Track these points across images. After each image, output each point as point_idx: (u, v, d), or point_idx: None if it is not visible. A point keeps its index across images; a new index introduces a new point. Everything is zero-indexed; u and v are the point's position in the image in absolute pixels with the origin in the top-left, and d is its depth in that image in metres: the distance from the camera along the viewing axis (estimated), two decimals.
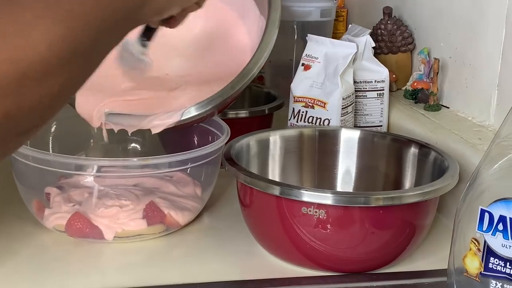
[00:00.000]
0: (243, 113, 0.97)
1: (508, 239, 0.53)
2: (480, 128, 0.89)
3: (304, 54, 0.94)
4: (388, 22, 1.10)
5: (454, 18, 0.98)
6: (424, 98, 1.01)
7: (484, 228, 0.54)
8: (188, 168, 0.78)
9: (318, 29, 1.16)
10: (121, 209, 0.74)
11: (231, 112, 0.98)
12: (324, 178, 0.85)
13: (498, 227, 0.54)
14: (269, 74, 1.24)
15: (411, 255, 0.73)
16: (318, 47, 0.93)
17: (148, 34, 0.71)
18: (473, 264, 0.56)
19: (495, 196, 0.54)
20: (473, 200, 0.56)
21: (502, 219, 0.53)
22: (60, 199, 0.77)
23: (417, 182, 0.79)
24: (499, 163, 0.55)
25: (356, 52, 0.91)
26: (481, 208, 0.54)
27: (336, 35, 1.26)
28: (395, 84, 1.10)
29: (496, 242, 0.54)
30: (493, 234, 0.54)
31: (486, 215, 0.54)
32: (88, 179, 0.75)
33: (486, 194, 0.55)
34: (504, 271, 0.54)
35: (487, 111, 0.90)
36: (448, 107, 1.00)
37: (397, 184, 0.81)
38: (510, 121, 0.55)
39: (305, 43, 0.98)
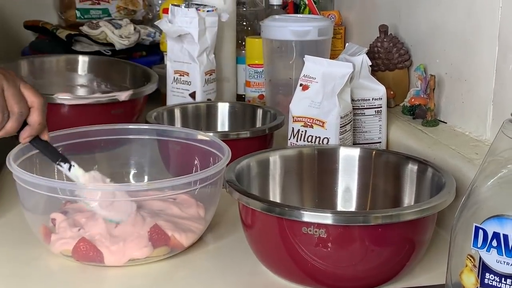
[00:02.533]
0: (244, 134, 0.99)
1: (502, 255, 0.55)
2: (476, 143, 0.91)
3: (302, 75, 0.96)
4: (385, 40, 1.12)
5: (449, 35, 1.00)
6: (421, 113, 1.03)
7: (479, 245, 0.56)
8: (191, 190, 0.79)
9: (316, 47, 1.18)
10: (126, 241, 0.76)
11: (232, 133, 0.99)
12: (324, 197, 0.86)
13: (492, 243, 0.55)
14: (269, 92, 1.25)
15: (412, 270, 0.74)
16: (315, 67, 0.95)
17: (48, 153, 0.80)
18: (470, 280, 0.57)
19: (489, 213, 0.55)
20: (468, 217, 0.57)
21: (495, 235, 0.55)
22: (65, 225, 0.78)
23: (416, 199, 0.80)
24: (492, 180, 0.57)
25: (352, 72, 0.93)
26: (475, 225, 0.56)
27: (334, 53, 1.27)
28: (393, 101, 1.11)
29: (491, 258, 0.55)
30: (488, 250, 0.55)
31: (481, 232, 0.55)
32: (94, 204, 0.77)
33: (480, 211, 0.56)
34: (500, 286, 0.55)
35: (483, 126, 0.91)
36: (445, 122, 1.01)
37: (397, 200, 0.83)
38: (502, 137, 0.56)
39: (303, 61, 1.00)
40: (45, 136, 0.79)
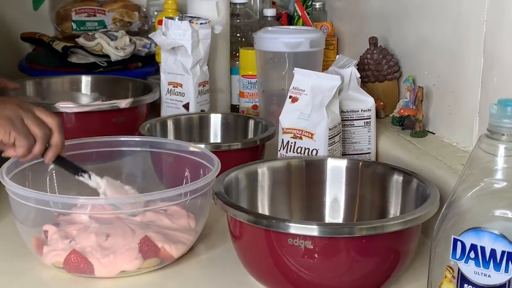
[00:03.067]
0: (235, 145, 1.01)
1: (480, 267, 0.56)
2: (463, 154, 0.92)
3: (291, 87, 0.97)
4: (374, 51, 1.14)
5: (437, 48, 1.02)
6: (410, 124, 1.04)
7: (457, 256, 0.57)
8: (181, 202, 0.81)
9: (309, 58, 1.20)
10: (116, 253, 0.77)
11: (224, 145, 1.01)
12: (312, 208, 0.87)
13: (470, 255, 0.56)
14: (263, 103, 1.27)
15: (397, 280, 0.76)
16: (304, 79, 0.96)
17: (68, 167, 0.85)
18: None
19: (467, 225, 0.57)
20: (447, 229, 0.59)
21: (473, 247, 0.56)
22: (57, 237, 0.80)
23: (402, 209, 0.82)
24: (470, 193, 0.58)
25: (341, 84, 0.95)
26: (453, 237, 0.57)
27: (327, 63, 1.29)
28: (383, 111, 1.13)
29: (469, 269, 0.57)
30: (466, 262, 0.57)
31: (459, 244, 0.57)
32: (84, 217, 0.78)
33: (459, 223, 0.58)
34: None
35: (469, 137, 0.93)
36: (434, 133, 1.03)
37: (383, 210, 0.84)
38: (479, 151, 0.58)
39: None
40: (63, 153, 0.84)
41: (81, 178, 0.85)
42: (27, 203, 0.77)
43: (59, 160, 0.84)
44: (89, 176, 0.85)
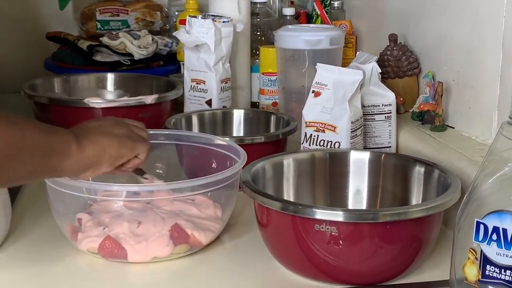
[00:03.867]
0: (258, 139, 1.03)
1: (502, 248, 0.58)
2: (482, 147, 0.94)
3: (314, 82, 1.00)
4: (394, 48, 1.16)
5: (456, 44, 1.04)
6: (430, 119, 1.06)
7: (480, 239, 0.60)
8: (209, 191, 0.84)
9: (328, 56, 1.22)
10: (149, 240, 0.80)
11: (247, 138, 1.04)
12: (336, 198, 0.90)
13: (492, 237, 0.59)
14: (282, 99, 1.30)
15: (420, 267, 0.78)
16: (327, 74, 0.99)
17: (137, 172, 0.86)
18: (472, 272, 0.61)
19: (489, 209, 0.59)
20: (469, 213, 0.61)
21: (495, 229, 0.58)
22: (91, 224, 0.83)
23: (423, 199, 0.84)
24: (492, 179, 0.60)
25: (363, 79, 0.97)
26: (476, 220, 0.60)
27: (346, 61, 1.31)
28: (403, 107, 1.15)
29: (491, 251, 0.59)
30: (488, 244, 0.59)
31: (482, 227, 0.59)
32: (118, 204, 0.81)
33: (481, 207, 0.60)
34: (500, 277, 0.59)
35: (488, 130, 0.95)
36: (453, 127, 1.05)
37: (405, 201, 0.86)
38: (501, 138, 0.60)
39: (316, 70, 1.04)
40: None
41: (143, 180, 0.86)
42: (62, 189, 0.80)
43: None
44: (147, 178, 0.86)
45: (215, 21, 1.22)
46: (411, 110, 1.14)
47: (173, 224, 0.81)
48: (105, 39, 1.48)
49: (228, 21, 1.24)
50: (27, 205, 0.96)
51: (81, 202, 0.84)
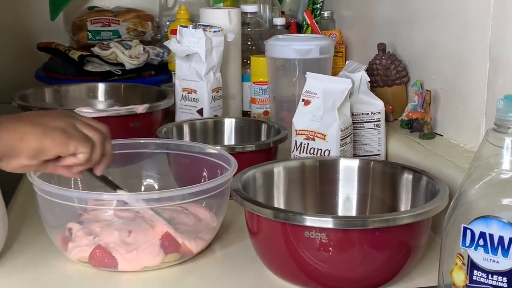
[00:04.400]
0: (249, 147, 1.04)
1: (489, 253, 0.59)
2: (471, 154, 0.95)
3: (304, 90, 1.01)
4: (383, 57, 1.17)
5: (444, 52, 1.05)
6: (419, 127, 1.07)
7: (467, 244, 0.60)
8: (199, 199, 0.84)
9: (319, 65, 1.23)
10: (139, 249, 0.80)
11: (238, 147, 1.05)
12: (326, 206, 0.91)
13: (479, 242, 0.59)
14: (273, 108, 1.30)
15: (409, 273, 0.79)
16: (316, 83, 1.00)
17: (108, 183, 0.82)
18: (459, 278, 0.61)
19: (476, 214, 0.60)
20: (457, 219, 0.62)
21: (482, 235, 0.59)
22: (81, 233, 0.83)
23: (412, 206, 0.85)
24: (479, 184, 0.61)
25: (352, 87, 0.98)
26: (463, 226, 0.60)
27: (336, 70, 1.32)
28: (392, 115, 1.16)
29: (478, 256, 0.60)
30: (475, 249, 0.60)
31: (468, 232, 0.60)
32: (108, 213, 0.82)
33: (468, 212, 0.61)
34: (487, 282, 0.60)
35: (477, 137, 0.96)
36: (441, 135, 1.06)
37: (394, 208, 0.87)
38: (486, 145, 0.61)
39: (306, 79, 1.05)
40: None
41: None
42: (52, 199, 0.80)
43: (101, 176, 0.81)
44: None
45: (206, 30, 1.23)
46: (400, 118, 1.15)
47: (164, 233, 0.82)
48: (96, 49, 1.49)
49: (219, 31, 1.25)
50: (17, 215, 0.96)
51: (72, 212, 0.85)
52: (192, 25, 1.26)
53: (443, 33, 1.05)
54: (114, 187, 0.82)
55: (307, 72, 1.02)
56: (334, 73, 1.26)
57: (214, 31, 1.24)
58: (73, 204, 0.81)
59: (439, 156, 0.96)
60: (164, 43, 1.33)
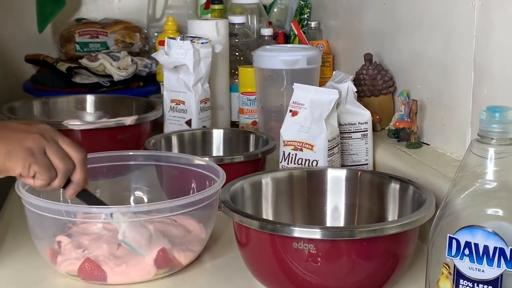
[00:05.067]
0: (238, 158, 1.04)
1: (474, 263, 0.60)
2: (457, 163, 0.95)
3: (291, 101, 1.01)
4: (370, 67, 1.18)
5: (429, 63, 1.06)
6: (405, 136, 1.08)
7: (453, 254, 0.61)
8: (188, 211, 0.84)
9: (306, 75, 1.24)
10: (128, 263, 0.80)
11: (226, 158, 1.05)
12: (314, 216, 0.91)
13: (465, 252, 0.60)
14: (262, 119, 1.31)
15: (397, 283, 0.79)
16: (304, 94, 1.01)
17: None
18: (446, 287, 0.62)
19: (461, 224, 0.61)
20: (442, 229, 0.63)
21: (467, 244, 0.60)
22: (70, 247, 0.83)
23: (399, 215, 0.85)
24: (464, 194, 0.62)
25: (338, 98, 0.99)
26: (449, 236, 0.61)
27: (323, 80, 1.33)
28: (379, 125, 1.17)
29: (464, 265, 0.61)
30: (461, 258, 0.61)
31: (454, 242, 0.61)
32: (97, 226, 0.82)
33: (453, 222, 0.62)
34: None
35: (463, 147, 0.97)
36: (428, 144, 1.07)
37: (382, 217, 0.88)
38: (470, 155, 0.62)
39: (293, 90, 1.05)
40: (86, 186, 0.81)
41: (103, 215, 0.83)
42: (41, 212, 0.80)
43: (81, 194, 0.82)
44: (111, 214, 0.82)
45: (194, 42, 1.24)
46: (387, 128, 1.16)
47: (160, 249, 0.81)
48: (84, 61, 1.49)
49: (207, 42, 1.26)
50: (5, 228, 0.96)
51: (60, 225, 0.85)
52: (179, 37, 1.26)
53: (428, 44, 1.06)
54: (93, 203, 0.83)
55: (294, 83, 1.03)
56: (322, 83, 1.27)
57: (202, 43, 1.25)
58: (62, 218, 0.81)
59: (426, 165, 0.97)
60: (152, 55, 1.33)
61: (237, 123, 1.41)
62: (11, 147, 0.74)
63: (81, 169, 0.79)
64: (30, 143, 0.75)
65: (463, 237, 0.60)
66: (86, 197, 0.83)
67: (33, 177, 0.76)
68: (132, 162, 0.99)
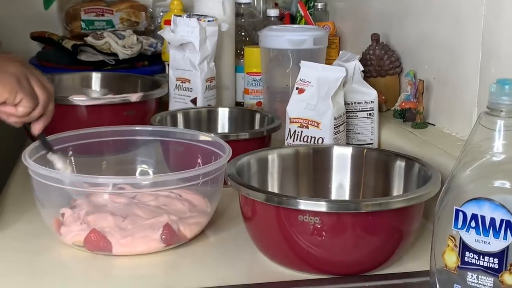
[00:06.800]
0: (243, 135, 1.04)
1: (480, 235, 0.60)
2: (462, 143, 0.94)
3: (298, 79, 1.01)
4: (376, 47, 1.18)
5: (437, 43, 1.06)
6: (411, 116, 1.08)
7: (459, 226, 0.61)
8: (194, 184, 0.85)
9: (312, 56, 1.23)
10: (135, 236, 0.80)
11: (232, 135, 1.05)
12: (319, 192, 0.91)
13: (471, 224, 0.60)
14: (267, 99, 1.31)
15: (400, 258, 0.80)
16: (310, 72, 1.01)
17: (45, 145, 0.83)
18: (451, 259, 0.62)
19: (468, 197, 0.61)
20: (449, 202, 0.63)
21: (474, 217, 0.60)
22: (72, 219, 0.83)
23: (404, 192, 0.86)
24: (470, 168, 0.62)
25: (345, 76, 0.99)
26: (455, 208, 0.61)
27: (329, 61, 1.33)
28: (385, 105, 1.17)
29: (470, 238, 0.61)
30: (467, 231, 0.61)
31: (461, 214, 0.61)
32: (105, 196, 0.82)
33: (460, 195, 0.62)
34: (478, 263, 0.61)
35: (469, 127, 0.96)
36: (434, 125, 1.07)
37: (387, 195, 0.88)
38: (479, 128, 0.62)
39: (299, 69, 1.05)
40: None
41: (49, 157, 0.84)
42: (47, 182, 0.80)
43: (42, 137, 0.82)
44: (58, 158, 0.85)
45: (200, 20, 1.23)
46: (392, 108, 1.16)
47: (165, 224, 0.81)
48: (89, 39, 1.49)
49: (213, 21, 1.25)
50: (12, 199, 0.96)
51: (66, 196, 0.85)
52: (186, 14, 1.26)
53: (436, 24, 1.06)
54: (49, 148, 0.83)
55: (301, 61, 1.03)
56: (328, 64, 1.27)
57: (208, 21, 1.24)
58: (67, 187, 0.81)
59: (431, 144, 0.97)
60: (158, 32, 1.33)
61: (242, 103, 1.41)
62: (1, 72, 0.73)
63: (52, 102, 0.79)
64: (14, 70, 0.74)
65: (469, 210, 0.60)
66: (45, 141, 0.83)
67: (16, 104, 0.75)
68: (138, 137, 0.99)
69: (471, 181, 0.62)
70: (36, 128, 0.80)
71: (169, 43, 1.27)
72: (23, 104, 0.75)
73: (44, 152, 0.85)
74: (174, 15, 1.26)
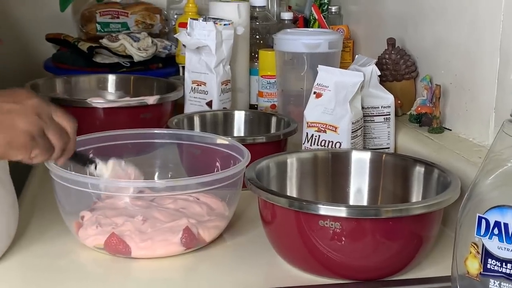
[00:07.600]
0: (260, 139, 1.05)
1: (503, 242, 0.60)
2: (480, 148, 0.96)
3: (315, 83, 1.02)
4: (392, 52, 1.18)
5: (453, 47, 1.06)
6: (427, 121, 1.08)
7: (482, 233, 0.61)
8: (214, 189, 0.85)
9: (327, 59, 1.24)
10: (154, 239, 0.81)
11: (249, 138, 1.05)
12: (337, 197, 0.92)
13: (494, 231, 0.61)
14: (281, 102, 1.31)
15: (419, 264, 0.80)
16: (328, 76, 1.01)
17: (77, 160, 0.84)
18: (473, 266, 0.62)
19: (491, 204, 0.61)
20: (471, 209, 0.63)
21: (497, 224, 0.60)
22: (91, 222, 0.84)
23: (423, 198, 0.86)
24: (493, 175, 0.62)
25: (363, 80, 0.99)
26: (478, 215, 0.61)
27: (343, 65, 1.33)
28: (401, 109, 1.18)
29: (493, 245, 0.61)
30: (490, 238, 0.61)
31: (483, 221, 0.61)
32: (125, 200, 0.82)
33: (483, 202, 0.62)
34: (501, 270, 0.61)
35: (486, 132, 0.97)
36: (450, 130, 1.07)
37: (405, 200, 0.88)
38: (502, 136, 0.62)
39: (314, 73, 1.06)
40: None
41: (87, 169, 0.85)
42: (68, 185, 0.81)
43: (72, 156, 0.82)
44: (95, 167, 0.85)
45: (216, 23, 1.24)
46: (408, 113, 1.16)
47: (185, 228, 0.82)
48: (105, 41, 1.50)
49: (229, 24, 1.26)
50: (33, 201, 0.97)
51: (87, 199, 0.85)
52: (202, 18, 1.26)
53: (453, 28, 1.06)
54: (84, 161, 0.84)
55: (318, 65, 1.03)
56: (342, 67, 1.27)
57: (225, 24, 1.25)
58: (88, 190, 0.82)
59: (448, 150, 0.98)
60: (175, 36, 1.33)
61: (256, 106, 1.41)
62: (10, 137, 0.70)
63: (74, 139, 0.78)
64: (28, 127, 0.71)
65: (492, 217, 0.61)
66: (76, 157, 0.83)
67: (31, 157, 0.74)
68: (157, 140, 1.00)
69: (493, 188, 0.62)
70: (59, 162, 0.80)
71: (185, 46, 1.27)
72: (38, 158, 0.74)
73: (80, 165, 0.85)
74: (191, 18, 1.27)
